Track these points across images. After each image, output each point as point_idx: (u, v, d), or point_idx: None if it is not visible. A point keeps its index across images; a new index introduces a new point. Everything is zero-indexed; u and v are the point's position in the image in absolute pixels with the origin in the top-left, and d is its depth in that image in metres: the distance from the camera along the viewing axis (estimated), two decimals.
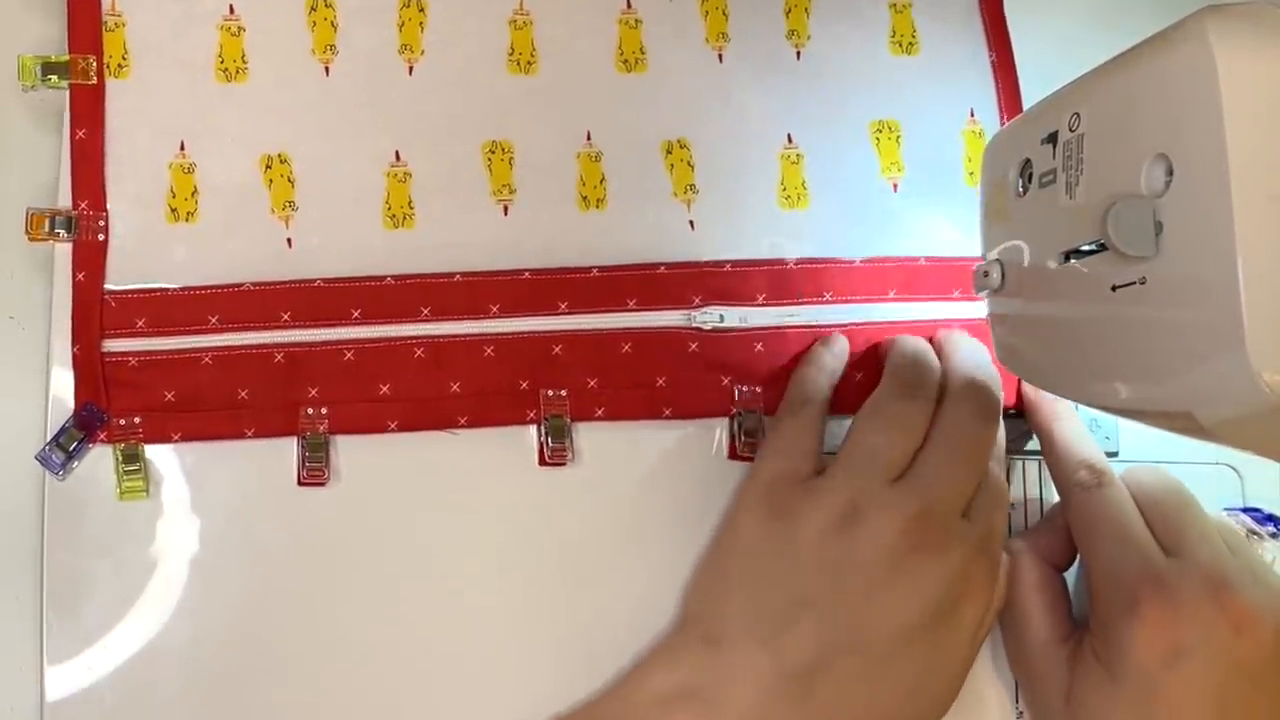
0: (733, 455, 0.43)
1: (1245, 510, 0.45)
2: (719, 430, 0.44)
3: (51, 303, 0.41)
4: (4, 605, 0.40)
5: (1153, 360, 0.31)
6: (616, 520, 0.43)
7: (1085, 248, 0.33)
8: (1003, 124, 0.47)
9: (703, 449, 0.43)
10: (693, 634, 0.39)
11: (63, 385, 0.41)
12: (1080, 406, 0.43)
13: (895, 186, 0.46)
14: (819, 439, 0.41)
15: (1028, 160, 0.36)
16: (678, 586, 0.42)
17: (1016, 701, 0.44)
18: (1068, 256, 0.34)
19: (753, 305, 0.44)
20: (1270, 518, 0.45)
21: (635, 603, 0.42)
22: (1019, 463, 0.45)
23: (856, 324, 0.44)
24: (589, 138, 0.44)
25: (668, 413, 0.43)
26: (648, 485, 0.43)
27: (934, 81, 0.47)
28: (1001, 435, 0.42)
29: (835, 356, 0.44)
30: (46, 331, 0.41)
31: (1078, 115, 0.34)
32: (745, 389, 0.44)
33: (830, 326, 0.44)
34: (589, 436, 0.43)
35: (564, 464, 0.42)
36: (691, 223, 0.44)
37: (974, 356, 0.43)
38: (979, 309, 0.44)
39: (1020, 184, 0.37)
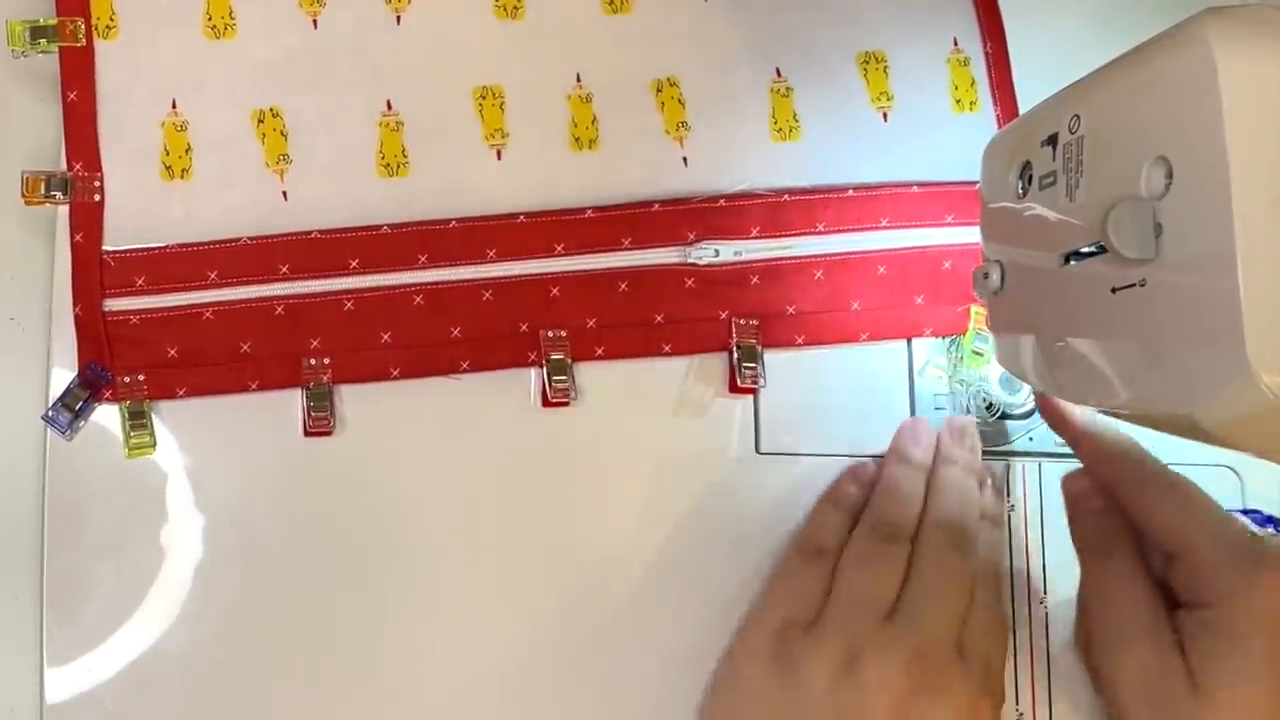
0: (733, 389, 0.44)
1: (1245, 512, 0.46)
2: (719, 364, 0.44)
3: (53, 267, 0.41)
4: (4, 606, 0.40)
5: (1153, 362, 0.31)
6: (621, 456, 0.43)
7: (1085, 250, 0.33)
8: (985, 51, 0.47)
9: (703, 383, 0.44)
10: None
11: (66, 350, 0.41)
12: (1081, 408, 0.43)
13: (885, 116, 0.46)
14: (827, 588, 0.41)
15: (1028, 162, 0.36)
16: (682, 521, 0.42)
17: (1017, 702, 0.44)
18: (1068, 259, 0.34)
19: (747, 239, 0.44)
20: (1270, 519, 0.45)
21: (642, 537, 0.42)
22: (1019, 463, 0.46)
23: (851, 253, 0.45)
24: (579, 79, 0.45)
25: (667, 349, 0.43)
26: (650, 421, 0.43)
27: (916, 11, 0.47)
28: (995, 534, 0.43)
29: (860, 489, 0.43)
30: (47, 302, 0.41)
31: (1077, 117, 0.33)
32: (743, 322, 0.44)
33: (825, 256, 0.45)
34: (590, 376, 0.43)
35: (567, 404, 0.43)
36: (685, 159, 0.45)
37: (954, 494, 0.43)
38: (971, 234, 0.44)
39: (1020, 186, 0.37)
